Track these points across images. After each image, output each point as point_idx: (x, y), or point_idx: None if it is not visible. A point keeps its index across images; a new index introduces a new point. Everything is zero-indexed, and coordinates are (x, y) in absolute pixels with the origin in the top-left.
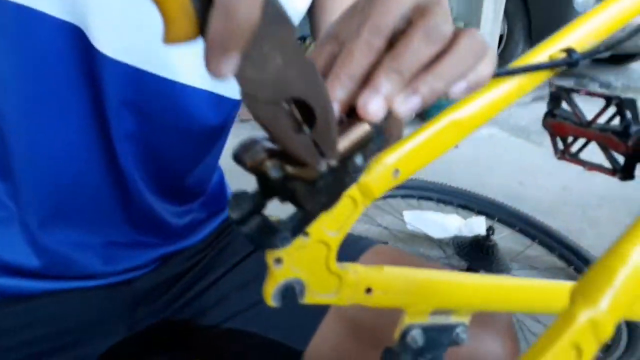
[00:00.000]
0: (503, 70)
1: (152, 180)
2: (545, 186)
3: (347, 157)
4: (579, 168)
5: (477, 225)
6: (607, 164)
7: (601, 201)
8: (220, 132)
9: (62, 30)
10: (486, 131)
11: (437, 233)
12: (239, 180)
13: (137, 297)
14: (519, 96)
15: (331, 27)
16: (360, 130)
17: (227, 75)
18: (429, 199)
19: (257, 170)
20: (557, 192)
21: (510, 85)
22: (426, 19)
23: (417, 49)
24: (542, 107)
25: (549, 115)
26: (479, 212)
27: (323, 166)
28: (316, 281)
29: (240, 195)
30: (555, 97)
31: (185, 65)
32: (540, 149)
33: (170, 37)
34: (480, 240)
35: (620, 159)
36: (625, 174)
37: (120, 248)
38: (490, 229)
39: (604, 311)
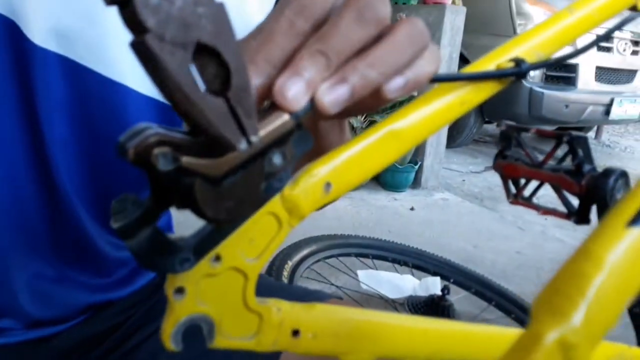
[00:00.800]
0: (445, 75)
1: (87, 197)
2: (500, 250)
3: (261, 153)
4: (533, 233)
5: (432, 284)
6: (561, 207)
7: (555, 265)
8: None
9: None
10: (440, 195)
11: (391, 293)
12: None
13: (60, 355)
14: (463, 110)
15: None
16: (277, 120)
17: None
18: (384, 258)
19: (143, 162)
20: (511, 256)
21: (454, 96)
22: None
23: (347, 29)
24: (494, 176)
25: (499, 156)
26: (435, 273)
27: (243, 144)
28: (229, 319)
29: (126, 199)
30: (505, 137)
31: (127, 64)
32: (494, 214)
33: None
34: (436, 300)
35: (575, 201)
36: (580, 217)
37: (47, 282)
38: (445, 289)
39: (577, 327)
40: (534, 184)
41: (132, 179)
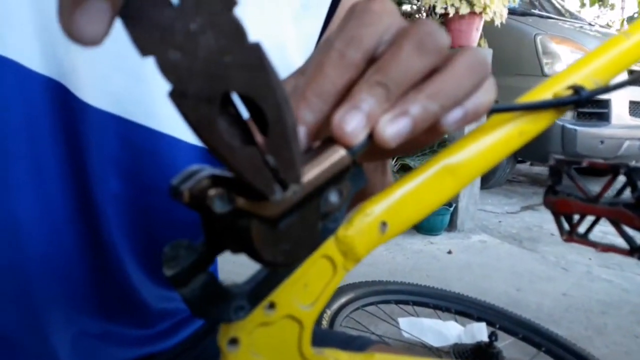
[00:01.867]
0: (503, 105)
1: (134, 250)
2: (545, 292)
3: (317, 191)
4: (578, 273)
5: (478, 331)
6: (621, 242)
7: (605, 308)
8: None
9: (41, 84)
10: (477, 238)
11: (436, 341)
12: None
13: None
14: (522, 141)
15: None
16: (333, 156)
17: (91, 37)
18: (425, 304)
19: (198, 204)
20: (557, 298)
21: (512, 127)
22: (417, 28)
23: (407, 59)
24: (531, 216)
25: (550, 192)
26: (479, 319)
27: (278, 193)
28: None
29: (179, 245)
30: (555, 172)
31: (172, 115)
32: (535, 255)
33: None
34: (483, 347)
35: (637, 236)
36: None
37: (91, 339)
38: (493, 335)
39: None
40: (589, 220)
41: (180, 229)
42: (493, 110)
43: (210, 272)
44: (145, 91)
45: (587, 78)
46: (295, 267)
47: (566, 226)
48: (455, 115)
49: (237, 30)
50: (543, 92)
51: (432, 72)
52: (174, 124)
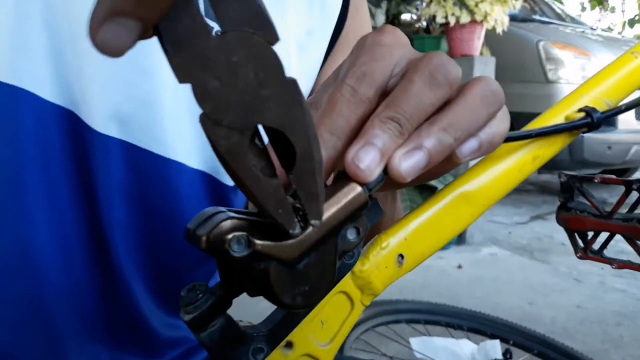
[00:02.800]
0: (516, 133)
1: (143, 276)
2: (558, 305)
3: (335, 230)
4: (592, 284)
5: (491, 349)
6: (637, 258)
7: (620, 319)
8: None
9: (54, 113)
10: (487, 250)
11: None
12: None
13: None
14: (536, 166)
15: (311, 97)
16: (350, 194)
17: (114, 49)
18: (437, 323)
19: (216, 249)
20: (571, 311)
21: (525, 152)
22: (428, 60)
23: (419, 93)
24: (541, 225)
25: (563, 209)
26: (492, 336)
27: (296, 229)
28: None
29: (196, 288)
30: (567, 188)
31: (178, 140)
32: (546, 266)
33: None
34: None
35: None
36: None
37: None
38: (507, 353)
39: None
40: (603, 236)
41: (188, 255)
42: (508, 139)
43: (228, 315)
44: (153, 116)
45: (597, 99)
46: (313, 307)
47: (580, 243)
48: (470, 146)
49: (276, 65)
50: (555, 116)
51: (445, 104)
52: (178, 148)
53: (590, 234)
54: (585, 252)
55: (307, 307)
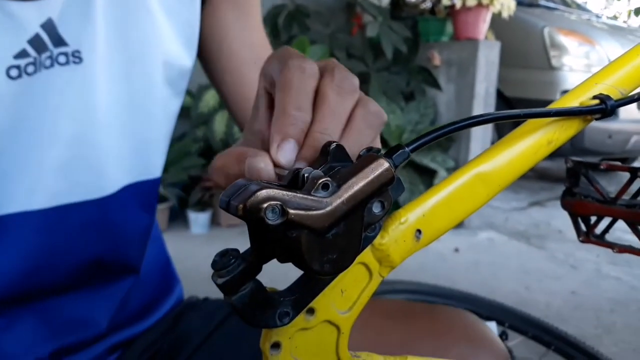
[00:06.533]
0: (536, 110)
1: None
2: (553, 291)
3: (362, 203)
4: (587, 271)
5: None
6: (638, 244)
7: (614, 306)
8: None
9: None
10: (484, 235)
11: None
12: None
13: None
14: (550, 150)
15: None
16: (378, 169)
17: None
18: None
19: (252, 217)
20: (566, 297)
21: (540, 135)
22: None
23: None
24: (538, 212)
25: (568, 194)
26: (488, 318)
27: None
28: None
29: (229, 254)
30: (573, 174)
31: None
32: (543, 252)
33: None
34: None
35: None
36: None
37: None
38: (503, 334)
39: None
40: (605, 220)
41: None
42: (527, 115)
43: (257, 280)
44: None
45: (611, 87)
46: (336, 276)
47: (583, 227)
48: None
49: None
50: (569, 102)
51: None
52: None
53: (593, 219)
54: (588, 236)
55: (333, 273)
